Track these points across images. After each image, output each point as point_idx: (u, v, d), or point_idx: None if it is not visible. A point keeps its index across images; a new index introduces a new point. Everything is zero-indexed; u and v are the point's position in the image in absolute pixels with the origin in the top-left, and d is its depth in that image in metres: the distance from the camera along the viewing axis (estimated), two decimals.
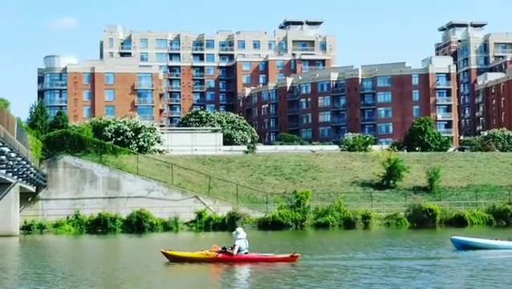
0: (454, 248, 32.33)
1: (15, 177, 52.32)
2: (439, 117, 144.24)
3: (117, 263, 30.34)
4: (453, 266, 25.67)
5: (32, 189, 61.59)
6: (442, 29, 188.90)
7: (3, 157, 42.46)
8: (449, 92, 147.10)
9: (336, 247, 36.55)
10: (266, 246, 38.23)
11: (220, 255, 27.03)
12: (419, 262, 27.29)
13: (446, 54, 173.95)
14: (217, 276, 24.46)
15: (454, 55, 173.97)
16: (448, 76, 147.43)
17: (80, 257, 35.50)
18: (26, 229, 59.75)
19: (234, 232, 28.11)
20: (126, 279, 24.06)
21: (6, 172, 48.43)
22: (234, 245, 27.06)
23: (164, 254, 28.51)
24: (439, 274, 23.48)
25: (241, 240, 27.14)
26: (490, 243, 32.28)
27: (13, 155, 44.42)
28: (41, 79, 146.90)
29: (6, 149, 41.42)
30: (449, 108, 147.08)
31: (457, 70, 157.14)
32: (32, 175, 56.87)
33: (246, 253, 27.12)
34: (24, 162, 49.73)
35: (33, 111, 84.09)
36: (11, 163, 46.17)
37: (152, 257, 32.01)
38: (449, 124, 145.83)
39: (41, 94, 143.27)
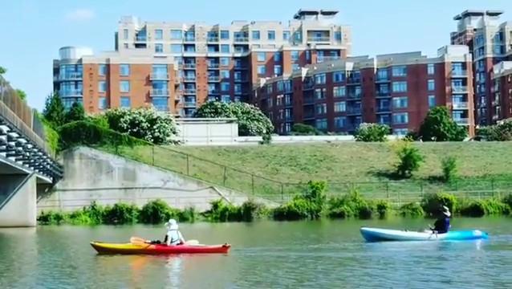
0: (364, 240, 31.96)
1: (32, 168, 52.69)
2: (455, 106, 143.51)
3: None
4: (349, 258, 25.12)
5: (49, 180, 62.00)
6: (458, 18, 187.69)
7: (20, 148, 42.78)
8: (464, 81, 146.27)
9: (300, 238, 36.05)
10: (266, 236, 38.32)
11: (152, 246, 27.05)
12: (323, 253, 26.93)
13: (462, 43, 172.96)
14: (144, 267, 24.37)
15: (470, 44, 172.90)
16: (463, 65, 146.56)
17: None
18: (43, 219, 60.20)
19: (167, 223, 28.18)
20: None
21: (23, 163, 48.78)
22: (166, 236, 27.14)
23: (94, 246, 28.07)
24: (327, 265, 23.09)
25: (173, 231, 27.19)
26: (399, 235, 32.01)
27: (29, 146, 44.77)
28: (56, 71, 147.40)
29: (23, 140, 41.74)
30: (464, 98, 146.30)
31: (472, 59, 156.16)
32: (49, 166, 57.26)
33: (179, 244, 27.18)
34: (41, 153, 50.09)
35: (49, 102, 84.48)
36: (28, 154, 46.52)
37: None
38: (464, 114, 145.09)
39: (57, 85, 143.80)
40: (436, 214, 61.53)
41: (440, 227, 31.81)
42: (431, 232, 31.64)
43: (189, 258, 26.16)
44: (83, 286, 19.11)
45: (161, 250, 26.94)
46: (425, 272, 20.85)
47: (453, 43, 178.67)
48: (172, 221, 27.97)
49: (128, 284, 19.69)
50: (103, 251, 27.61)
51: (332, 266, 22.62)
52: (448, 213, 32.83)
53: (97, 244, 28.26)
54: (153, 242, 27.29)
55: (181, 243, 27.24)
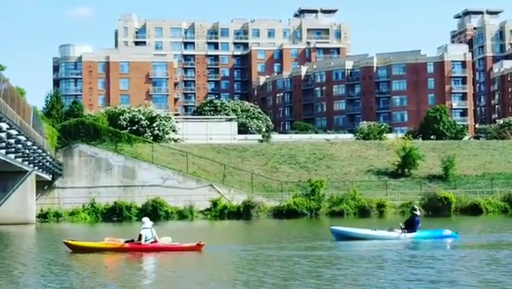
0: (334, 238, 31.88)
1: (31, 165, 52.67)
2: (454, 105, 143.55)
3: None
4: (316, 256, 25.21)
5: (48, 177, 61.98)
6: (458, 16, 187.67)
7: (19, 146, 42.76)
8: (464, 80, 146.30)
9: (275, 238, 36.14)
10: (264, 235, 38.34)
11: (126, 245, 27.03)
12: (289, 252, 27.01)
13: (462, 42, 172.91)
14: (118, 265, 24.30)
15: (470, 43, 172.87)
16: (463, 64, 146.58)
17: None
18: (43, 217, 60.19)
19: (141, 222, 28.16)
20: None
21: (23, 160, 48.76)
22: (140, 234, 27.12)
23: (67, 244, 27.92)
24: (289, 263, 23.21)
25: (147, 229, 27.19)
26: (368, 234, 31.95)
27: (29, 143, 44.73)
28: (56, 68, 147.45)
29: (23, 138, 41.71)
30: (464, 96, 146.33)
31: (472, 57, 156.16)
32: (48, 163, 57.22)
33: (153, 242, 27.17)
34: (40, 151, 50.06)
35: (48, 100, 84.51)
36: (27, 151, 46.49)
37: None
38: (464, 112, 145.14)
39: (56, 83, 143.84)
40: (435, 213, 61.81)
41: (410, 226, 31.70)
42: (400, 231, 31.50)
43: (163, 256, 26.13)
44: (56, 284, 18.99)
45: (135, 248, 26.89)
46: (388, 271, 20.84)
47: (452, 42, 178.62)
48: (146, 219, 27.92)
49: (102, 282, 19.57)
50: (77, 250, 27.45)
51: (290, 265, 22.80)
52: (418, 213, 32.75)
53: (71, 242, 28.08)
54: (127, 241, 27.24)
55: (155, 241, 27.21)
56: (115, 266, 23.93)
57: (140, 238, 27.06)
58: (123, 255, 26.20)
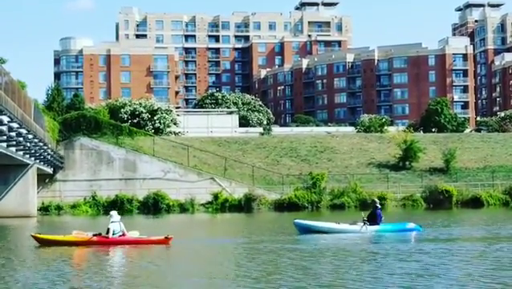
0: (298, 232, 31.81)
1: (32, 158, 52.72)
2: (455, 98, 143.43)
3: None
4: (278, 249, 25.29)
5: (49, 170, 62.03)
6: (459, 9, 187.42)
7: (21, 139, 42.77)
8: (465, 73, 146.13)
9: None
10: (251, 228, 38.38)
11: (94, 238, 27.04)
12: (254, 245, 27.12)
13: (463, 35, 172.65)
14: (85, 258, 24.21)
15: (471, 36, 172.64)
16: (464, 57, 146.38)
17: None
18: (44, 210, 60.28)
19: (109, 215, 28.17)
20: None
21: (24, 153, 48.80)
22: (108, 228, 27.16)
23: (35, 237, 27.85)
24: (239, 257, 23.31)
25: (115, 223, 27.23)
26: (331, 227, 31.88)
27: (30, 136, 44.75)
28: (57, 61, 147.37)
29: (24, 131, 41.72)
30: (465, 89, 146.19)
31: (473, 50, 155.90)
32: (49, 156, 57.26)
33: (121, 236, 27.21)
34: (41, 144, 50.08)
35: (49, 93, 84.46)
36: (28, 144, 46.51)
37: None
38: (465, 105, 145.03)
39: (57, 76, 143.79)
40: (436, 206, 61.84)
41: (373, 220, 31.60)
42: (363, 224, 31.39)
43: (130, 249, 26.12)
44: (20, 277, 18.89)
45: (103, 241, 26.90)
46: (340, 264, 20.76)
47: (454, 35, 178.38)
48: (114, 213, 27.94)
49: (70, 276, 19.47)
50: (44, 243, 27.38)
51: (246, 257, 22.96)
52: (379, 206, 32.53)
53: (38, 236, 28.02)
54: (95, 235, 27.26)
55: (123, 235, 27.26)
56: (92, 259, 23.72)
57: (107, 231, 27.09)
58: (91, 249, 26.16)
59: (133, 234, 27.58)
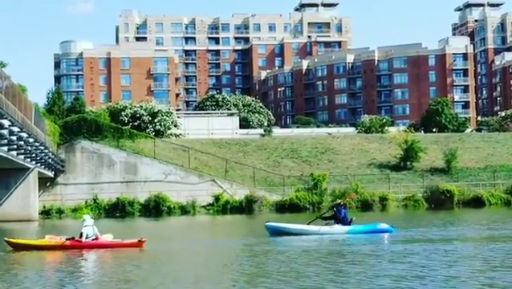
0: (268, 234, 31.60)
1: (33, 162, 52.72)
2: (456, 98, 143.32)
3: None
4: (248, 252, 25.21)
5: (50, 174, 62.04)
6: (459, 9, 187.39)
7: (21, 143, 42.77)
8: (465, 73, 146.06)
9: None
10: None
11: (67, 242, 27.02)
12: (223, 247, 27.30)
13: (463, 35, 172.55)
14: (58, 262, 24.03)
15: (471, 35, 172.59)
16: (465, 56, 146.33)
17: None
18: (45, 213, 60.26)
19: (82, 219, 28.12)
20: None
21: (25, 157, 48.79)
22: (81, 232, 27.15)
23: (8, 242, 27.73)
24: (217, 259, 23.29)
25: (88, 227, 27.22)
26: (301, 229, 31.65)
27: (31, 140, 44.76)
28: (57, 65, 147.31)
29: (25, 135, 41.73)
30: (466, 89, 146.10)
31: (474, 50, 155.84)
32: (50, 160, 57.29)
33: (94, 239, 27.20)
34: (42, 147, 50.11)
35: (50, 96, 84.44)
36: (29, 148, 46.53)
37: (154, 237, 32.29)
38: (466, 105, 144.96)
39: (57, 79, 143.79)
40: (438, 206, 61.85)
41: (343, 221, 31.32)
42: (334, 225, 31.13)
43: (104, 253, 26.05)
44: None
45: (76, 245, 26.89)
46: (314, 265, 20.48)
47: (454, 34, 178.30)
48: (87, 216, 27.92)
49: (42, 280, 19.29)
50: (18, 248, 27.29)
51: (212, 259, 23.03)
52: (342, 207, 31.96)
53: (11, 240, 27.95)
54: (68, 239, 27.26)
55: (97, 239, 27.27)
56: (65, 264, 23.50)
57: (81, 235, 27.09)
58: (64, 253, 26.07)
59: (107, 238, 27.58)
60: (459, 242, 27.15)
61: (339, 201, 36.93)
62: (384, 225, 31.71)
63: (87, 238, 27.03)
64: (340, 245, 27.19)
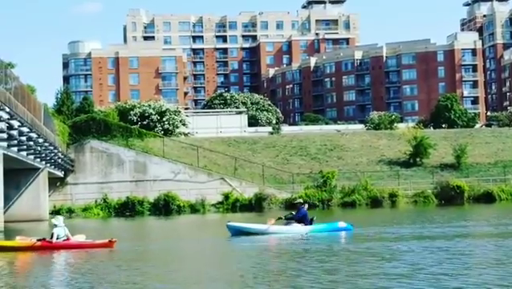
0: (230, 234, 31.51)
1: (43, 162, 52.88)
2: (465, 93, 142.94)
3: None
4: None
5: (60, 174, 62.22)
6: (467, 4, 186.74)
7: (31, 143, 42.91)
8: (474, 68, 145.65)
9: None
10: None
11: (38, 243, 26.99)
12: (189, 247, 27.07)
13: (471, 30, 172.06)
14: (28, 263, 23.86)
15: (480, 30, 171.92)
16: (473, 52, 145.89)
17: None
18: (56, 213, 60.21)
19: (53, 219, 28.08)
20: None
21: (35, 157, 48.94)
22: (52, 233, 27.14)
23: None
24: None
25: (60, 228, 27.19)
26: (262, 228, 31.63)
27: (40, 140, 44.91)
28: (66, 65, 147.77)
29: (34, 135, 41.87)
30: (475, 84, 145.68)
31: (482, 45, 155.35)
32: (60, 160, 57.46)
33: (65, 240, 27.17)
34: (52, 147, 50.26)
35: (59, 96, 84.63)
36: (39, 148, 46.68)
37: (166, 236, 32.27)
38: (475, 100, 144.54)
39: (66, 79, 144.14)
40: (448, 202, 61.67)
41: (303, 220, 31.31)
42: (295, 225, 31.11)
43: (75, 253, 25.92)
44: None
45: (47, 246, 26.85)
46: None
47: (462, 30, 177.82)
48: (59, 217, 27.97)
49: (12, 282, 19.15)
50: None
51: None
52: (306, 206, 32.01)
53: None
54: (39, 240, 27.26)
55: (68, 239, 27.27)
56: (35, 264, 23.33)
57: (52, 236, 27.11)
58: (35, 254, 25.99)
59: (78, 238, 27.60)
60: (415, 241, 25.97)
61: (299, 200, 37.02)
62: (342, 224, 31.76)
63: (58, 238, 27.02)
64: (292, 244, 26.47)
